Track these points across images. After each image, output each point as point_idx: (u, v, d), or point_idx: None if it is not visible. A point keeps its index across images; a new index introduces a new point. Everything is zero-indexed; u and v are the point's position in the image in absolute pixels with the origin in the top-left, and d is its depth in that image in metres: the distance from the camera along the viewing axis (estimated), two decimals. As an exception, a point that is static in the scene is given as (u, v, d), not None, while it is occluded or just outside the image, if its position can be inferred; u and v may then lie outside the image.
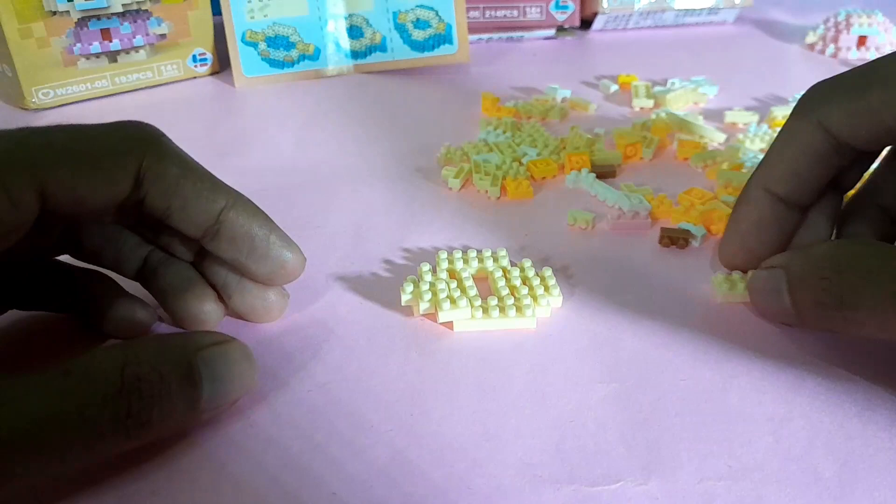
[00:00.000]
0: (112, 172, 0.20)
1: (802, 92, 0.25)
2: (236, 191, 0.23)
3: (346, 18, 0.54)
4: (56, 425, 0.16)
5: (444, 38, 0.55)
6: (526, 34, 0.64)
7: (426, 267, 0.28)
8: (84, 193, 0.20)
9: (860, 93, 0.22)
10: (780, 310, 0.24)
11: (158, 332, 0.25)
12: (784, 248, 0.26)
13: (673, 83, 0.51)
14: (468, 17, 0.59)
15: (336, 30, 0.54)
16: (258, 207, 0.23)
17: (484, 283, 0.28)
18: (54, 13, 0.45)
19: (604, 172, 0.37)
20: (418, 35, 0.55)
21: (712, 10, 0.67)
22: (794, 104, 0.28)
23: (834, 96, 0.23)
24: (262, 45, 0.53)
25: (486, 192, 0.36)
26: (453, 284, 0.26)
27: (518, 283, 0.27)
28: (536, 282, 0.27)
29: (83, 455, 0.17)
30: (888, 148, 0.27)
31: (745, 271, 0.27)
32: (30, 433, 0.16)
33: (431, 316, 0.26)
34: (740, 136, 0.42)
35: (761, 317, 0.25)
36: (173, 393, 0.19)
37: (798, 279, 0.23)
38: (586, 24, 0.67)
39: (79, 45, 0.47)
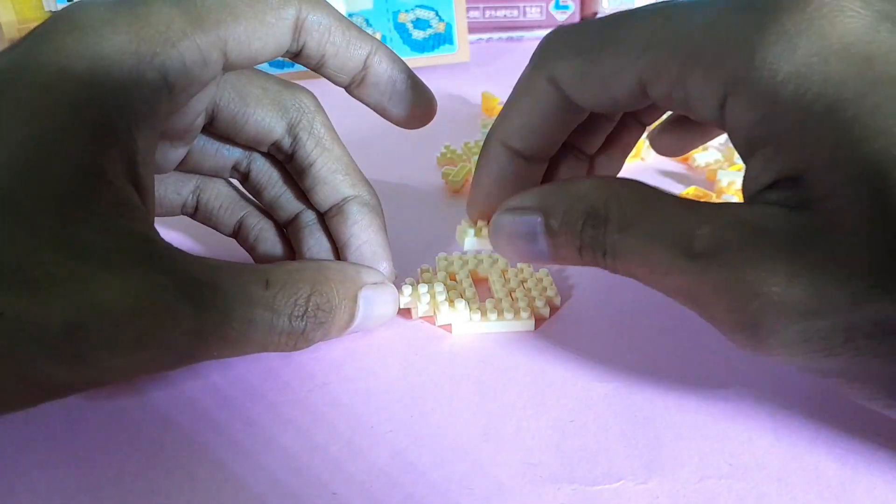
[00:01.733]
0: (275, 26, 0.22)
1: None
2: (375, 38, 0.25)
3: (345, 18, 0.54)
4: (246, 326, 0.20)
5: (444, 38, 0.55)
6: (526, 34, 0.64)
7: (425, 265, 0.28)
8: (258, 47, 0.22)
9: (594, 53, 0.20)
10: (533, 254, 0.21)
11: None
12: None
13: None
14: (468, 17, 0.59)
15: (336, 30, 0.54)
16: (396, 54, 0.25)
17: (484, 284, 0.28)
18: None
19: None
20: (418, 35, 0.55)
21: (712, 10, 0.67)
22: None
23: (567, 52, 0.21)
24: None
25: (487, 191, 0.36)
26: (452, 286, 0.26)
27: (516, 284, 0.27)
28: (533, 283, 0.27)
29: (249, 351, 0.21)
30: None
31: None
32: (225, 324, 0.19)
33: (430, 318, 0.26)
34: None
35: (507, 258, 0.23)
36: (336, 321, 0.22)
37: (560, 224, 0.20)
38: (586, 23, 0.67)
39: (79, 45, 0.47)
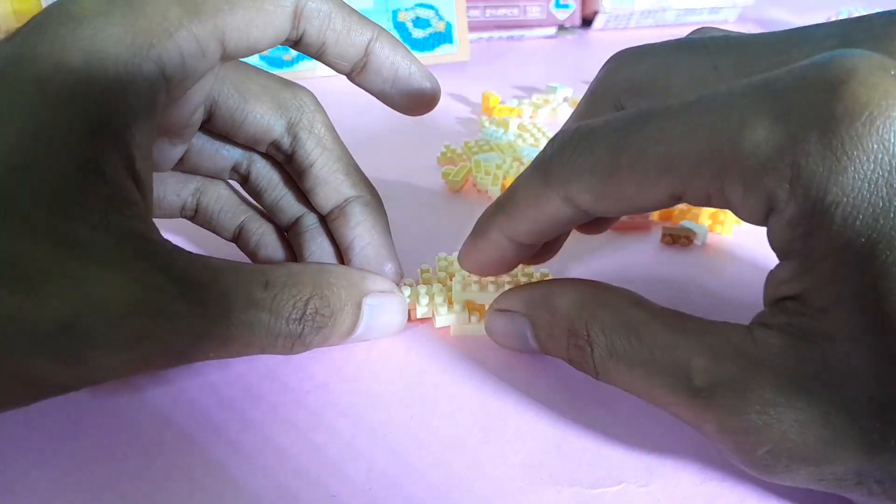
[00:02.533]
0: (274, 14, 0.21)
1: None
2: (377, 24, 0.24)
3: (345, 17, 0.54)
4: (244, 328, 0.20)
5: (444, 37, 0.55)
6: (526, 33, 0.64)
7: (425, 266, 0.28)
8: (256, 36, 0.21)
9: (612, 172, 0.18)
10: (528, 349, 0.22)
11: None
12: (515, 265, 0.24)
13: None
14: (468, 16, 0.59)
15: (336, 29, 0.54)
16: (398, 40, 0.24)
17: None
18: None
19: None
20: (418, 34, 0.55)
21: (713, 9, 0.67)
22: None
23: (583, 173, 0.19)
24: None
25: (487, 191, 0.36)
26: (458, 277, 0.26)
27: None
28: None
29: (246, 353, 0.21)
30: None
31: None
32: (222, 325, 0.19)
33: (430, 319, 0.26)
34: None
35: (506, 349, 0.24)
36: (336, 327, 0.22)
37: (546, 335, 0.21)
38: (587, 22, 0.67)
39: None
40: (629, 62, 0.24)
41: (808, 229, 0.16)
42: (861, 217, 0.15)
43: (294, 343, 0.21)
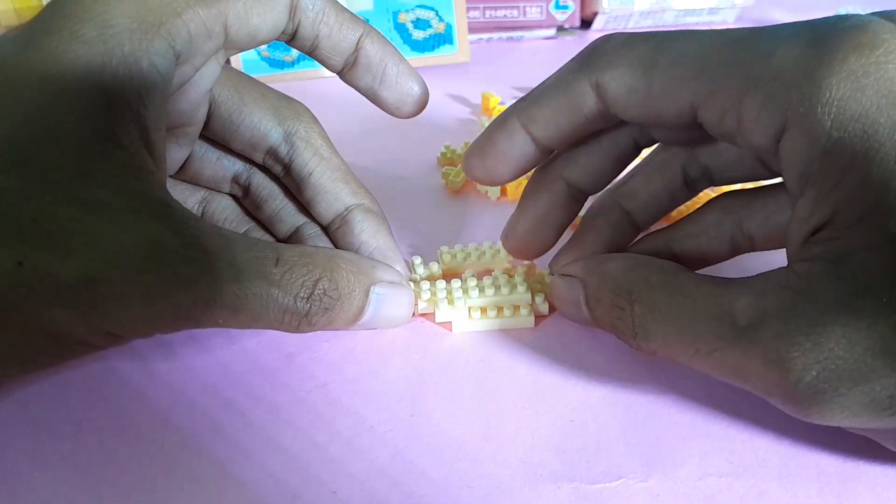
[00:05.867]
0: (273, 4, 0.22)
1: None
2: (367, 23, 0.25)
3: (345, 19, 0.54)
4: (249, 299, 0.20)
5: (444, 38, 0.55)
6: (526, 34, 0.64)
7: (417, 260, 0.28)
8: (256, 23, 0.22)
9: (646, 69, 0.20)
10: (581, 319, 0.23)
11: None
12: (561, 232, 0.25)
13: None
14: (468, 17, 0.59)
15: (336, 30, 0.54)
16: (387, 39, 0.25)
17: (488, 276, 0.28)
18: None
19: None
20: (418, 35, 0.55)
21: (713, 10, 0.67)
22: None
23: (618, 62, 0.20)
24: (262, 45, 0.53)
25: (486, 192, 0.36)
26: (456, 284, 0.26)
27: (519, 281, 0.27)
28: (533, 281, 0.27)
29: (254, 325, 0.21)
30: (650, 149, 0.25)
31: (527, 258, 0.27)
32: (228, 293, 0.19)
33: (430, 316, 0.26)
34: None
35: (565, 317, 0.25)
36: (343, 310, 0.22)
37: (595, 299, 0.22)
38: (586, 23, 0.67)
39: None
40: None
41: (831, 145, 0.17)
42: (881, 129, 0.16)
43: (301, 321, 0.21)
